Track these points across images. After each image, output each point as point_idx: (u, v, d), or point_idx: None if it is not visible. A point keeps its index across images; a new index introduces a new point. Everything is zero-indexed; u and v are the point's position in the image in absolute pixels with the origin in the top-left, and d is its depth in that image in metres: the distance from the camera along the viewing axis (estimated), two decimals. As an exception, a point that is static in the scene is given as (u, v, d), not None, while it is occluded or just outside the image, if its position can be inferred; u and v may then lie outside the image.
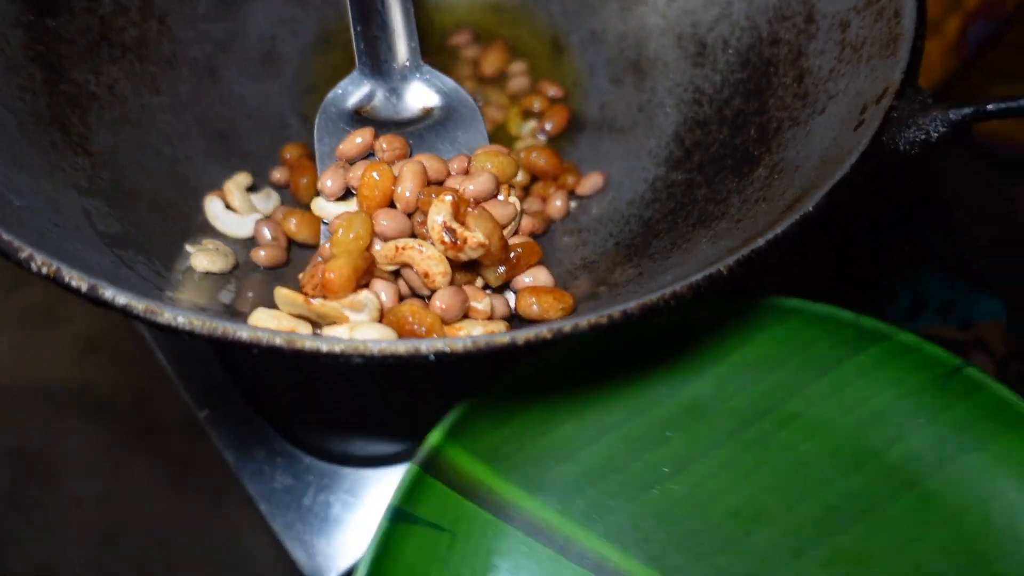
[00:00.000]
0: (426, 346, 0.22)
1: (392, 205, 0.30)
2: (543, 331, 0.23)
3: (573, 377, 0.36)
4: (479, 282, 0.31)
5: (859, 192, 0.27)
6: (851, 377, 0.36)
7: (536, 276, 0.31)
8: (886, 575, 0.32)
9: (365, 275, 0.27)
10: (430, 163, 0.31)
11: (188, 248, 0.31)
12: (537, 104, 0.41)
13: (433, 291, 0.28)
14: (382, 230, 0.29)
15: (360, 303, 0.26)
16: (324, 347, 0.21)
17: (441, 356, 0.22)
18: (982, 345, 0.55)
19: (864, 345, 0.35)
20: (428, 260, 0.28)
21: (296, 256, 0.34)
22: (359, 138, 0.33)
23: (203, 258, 0.30)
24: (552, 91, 0.42)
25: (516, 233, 0.33)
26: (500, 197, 0.31)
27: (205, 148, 0.37)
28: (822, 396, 0.36)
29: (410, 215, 0.30)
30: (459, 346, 0.22)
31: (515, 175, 0.32)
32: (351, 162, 0.33)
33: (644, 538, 0.33)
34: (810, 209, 0.25)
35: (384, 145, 0.33)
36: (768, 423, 0.35)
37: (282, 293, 0.26)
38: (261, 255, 0.32)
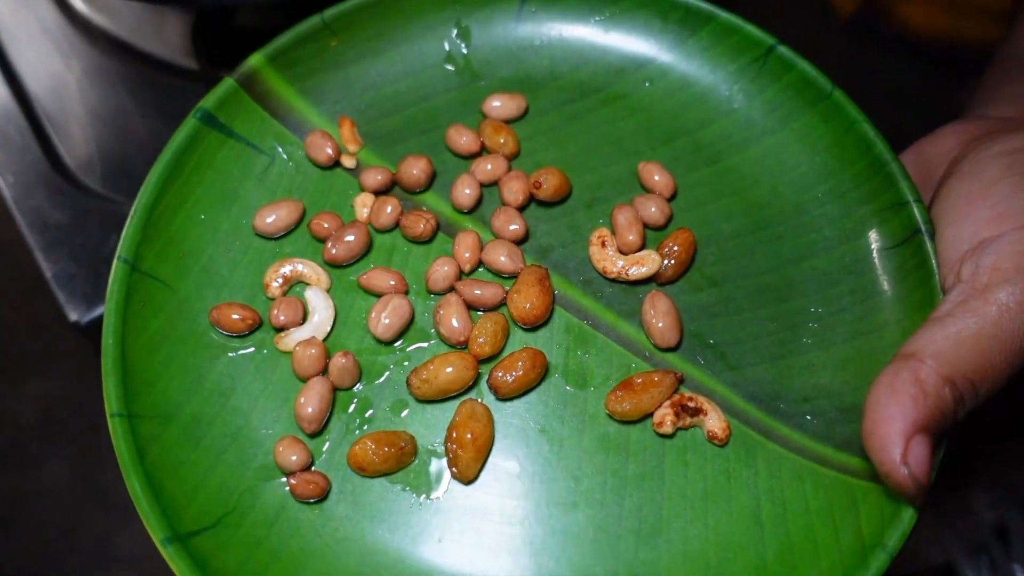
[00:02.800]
0: None
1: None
2: None
3: (415, 37, 0.37)
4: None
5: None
6: (679, 62, 0.37)
7: None
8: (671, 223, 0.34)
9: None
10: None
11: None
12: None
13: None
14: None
15: None
16: None
17: None
18: None
19: (694, 28, 0.36)
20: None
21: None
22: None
23: None
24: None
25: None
26: None
27: None
28: (649, 79, 0.37)
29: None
30: None
31: None
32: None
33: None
34: None
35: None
36: (593, 100, 0.37)
37: None
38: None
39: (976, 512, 0.42)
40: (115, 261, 0.30)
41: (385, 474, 0.29)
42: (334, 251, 0.32)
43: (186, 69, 0.49)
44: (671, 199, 0.34)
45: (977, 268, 0.26)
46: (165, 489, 0.27)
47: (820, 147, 0.34)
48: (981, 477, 0.43)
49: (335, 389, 0.31)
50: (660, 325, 0.31)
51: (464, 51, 0.37)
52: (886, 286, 0.31)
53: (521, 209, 0.34)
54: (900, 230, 0.31)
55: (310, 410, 0.29)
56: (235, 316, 0.31)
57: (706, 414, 0.29)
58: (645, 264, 0.32)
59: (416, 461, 0.30)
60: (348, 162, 0.35)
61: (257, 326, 0.32)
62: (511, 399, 0.30)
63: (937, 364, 0.25)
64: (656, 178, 0.34)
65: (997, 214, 0.27)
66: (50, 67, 0.49)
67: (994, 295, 0.25)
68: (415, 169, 0.34)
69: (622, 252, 0.33)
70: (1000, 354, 0.25)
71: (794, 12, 0.58)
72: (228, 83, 0.34)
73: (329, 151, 0.35)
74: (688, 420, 0.29)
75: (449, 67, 0.37)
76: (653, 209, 0.33)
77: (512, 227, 0.33)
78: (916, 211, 0.31)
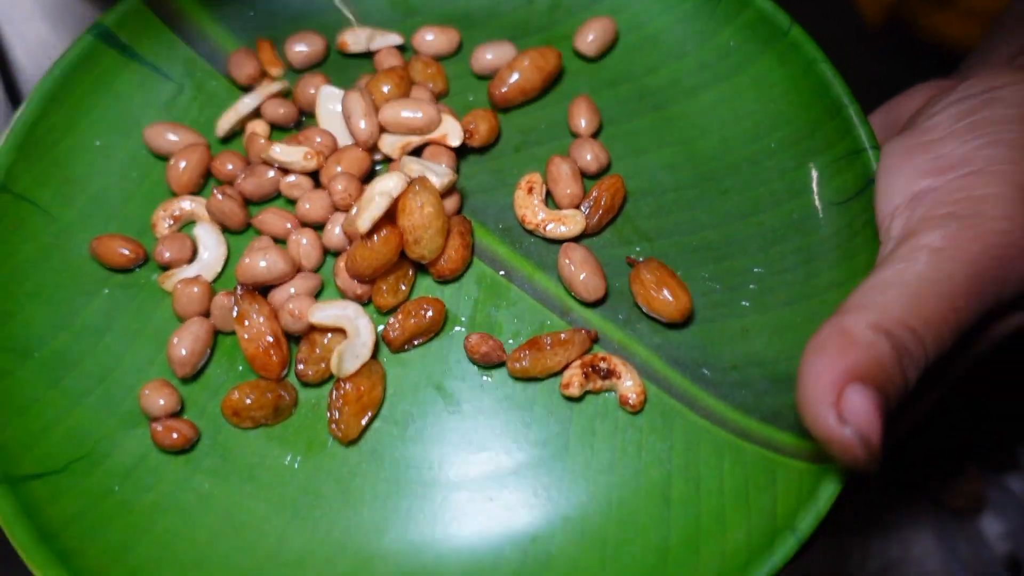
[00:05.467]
0: None
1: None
2: None
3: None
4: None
5: None
6: (632, 1, 0.33)
7: None
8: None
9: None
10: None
11: None
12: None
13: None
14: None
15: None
16: None
17: None
18: None
19: (646, -36, 0.33)
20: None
21: None
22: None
23: None
24: None
25: None
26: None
27: None
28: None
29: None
30: None
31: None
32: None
33: None
34: None
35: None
36: (535, 40, 0.33)
37: None
38: None
39: (987, 542, 0.37)
40: (-19, 180, 0.28)
41: (263, 425, 0.27)
42: (220, 197, 0.29)
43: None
44: (595, 135, 0.31)
45: (907, 222, 0.23)
46: (5, 426, 0.25)
47: (775, 93, 0.30)
48: (994, 504, 0.37)
49: (217, 332, 0.28)
50: (583, 277, 0.27)
51: None
52: (833, 245, 0.28)
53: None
54: (853, 181, 0.28)
55: (183, 352, 0.27)
56: (121, 250, 0.28)
57: (619, 377, 0.26)
58: (567, 224, 0.29)
59: (295, 414, 0.27)
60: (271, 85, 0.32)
61: (143, 262, 0.29)
62: (406, 351, 0.28)
63: (864, 313, 0.21)
64: (582, 121, 0.31)
65: (937, 165, 0.23)
66: (38, 31, 0.46)
67: (921, 240, 0.22)
68: (311, 88, 0.31)
69: (559, 206, 0.30)
70: (939, 297, 0.21)
71: (822, 21, 0.54)
72: (133, 0, 0.31)
73: (252, 71, 0.32)
74: (599, 383, 0.26)
75: None
76: (589, 156, 0.30)
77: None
78: (873, 158, 0.27)
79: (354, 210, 0.27)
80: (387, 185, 0.26)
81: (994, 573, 0.36)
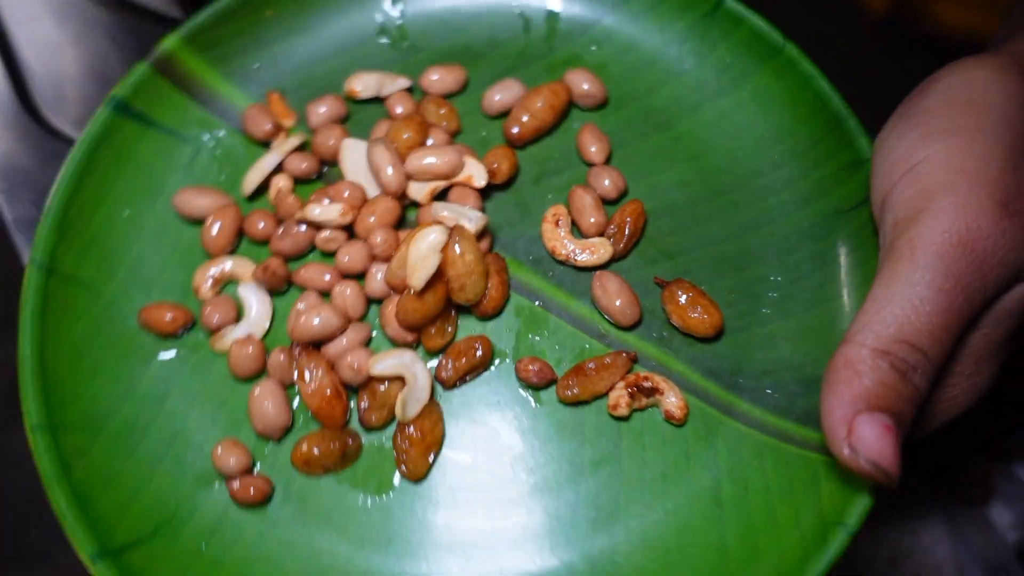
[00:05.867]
0: None
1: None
2: None
3: (344, 10, 0.35)
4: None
5: None
6: (623, 23, 0.35)
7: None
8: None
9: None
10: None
11: None
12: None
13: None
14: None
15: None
16: None
17: None
18: None
19: (637, -13, 0.34)
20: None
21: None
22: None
23: None
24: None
25: None
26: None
27: None
28: (596, 43, 0.35)
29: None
30: None
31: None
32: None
33: None
34: None
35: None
36: (538, 68, 0.35)
37: None
38: None
39: (997, 531, 0.38)
40: (28, 265, 0.28)
41: (331, 472, 0.28)
42: (267, 271, 0.30)
43: (167, 16, 0.45)
44: (607, 159, 0.33)
45: (883, 230, 0.25)
46: (95, 502, 0.26)
47: (774, 106, 0.32)
48: (1004, 493, 0.38)
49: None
50: (618, 303, 0.29)
51: (399, 22, 0.35)
52: (846, 250, 0.30)
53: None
54: (857, 190, 0.30)
55: (271, 414, 0.28)
56: (167, 317, 0.29)
57: (662, 393, 0.28)
58: (595, 252, 0.31)
59: (362, 458, 0.28)
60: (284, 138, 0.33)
61: (191, 325, 0.30)
62: (457, 387, 0.29)
63: (863, 339, 0.23)
64: (592, 148, 0.32)
65: (890, 163, 0.25)
66: (44, 31, 0.45)
67: (895, 250, 0.23)
68: (331, 140, 0.32)
69: (584, 235, 0.31)
70: (925, 305, 0.22)
71: (822, 20, 0.55)
72: (143, 68, 0.32)
73: (268, 126, 0.32)
74: (644, 401, 0.28)
75: (383, 40, 0.35)
76: (607, 183, 0.32)
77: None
78: (873, 170, 0.29)
79: (395, 260, 0.28)
80: (432, 240, 0.27)
81: (1004, 562, 0.37)
